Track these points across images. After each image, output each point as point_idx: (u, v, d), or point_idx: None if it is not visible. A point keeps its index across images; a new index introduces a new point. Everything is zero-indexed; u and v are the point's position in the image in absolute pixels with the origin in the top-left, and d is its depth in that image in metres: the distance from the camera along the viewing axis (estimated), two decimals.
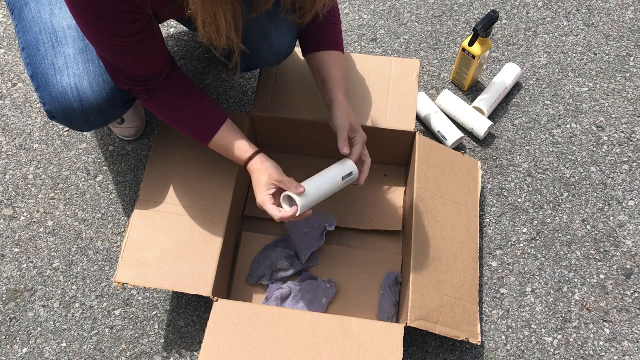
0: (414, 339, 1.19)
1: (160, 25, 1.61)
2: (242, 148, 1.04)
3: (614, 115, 1.47)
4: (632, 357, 1.18)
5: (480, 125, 1.39)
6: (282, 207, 1.02)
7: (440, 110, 1.43)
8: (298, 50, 1.30)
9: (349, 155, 1.07)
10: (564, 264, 1.28)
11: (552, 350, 1.19)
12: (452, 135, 1.38)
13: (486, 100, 1.43)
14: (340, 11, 1.64)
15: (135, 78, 0.99)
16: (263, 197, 1.00)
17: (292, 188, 0.99)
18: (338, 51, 1.12)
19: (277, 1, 0.84)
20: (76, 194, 1.37)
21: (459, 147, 1.42)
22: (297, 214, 0.99)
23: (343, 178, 1.05)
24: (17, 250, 1.30)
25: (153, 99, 1.03)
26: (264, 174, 1.01)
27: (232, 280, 1.23)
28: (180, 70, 1.06)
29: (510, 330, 1.21)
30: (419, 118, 1.45)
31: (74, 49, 1.02)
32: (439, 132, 1.40)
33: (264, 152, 1.05)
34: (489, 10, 1.35)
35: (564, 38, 1.59)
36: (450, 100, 1.44)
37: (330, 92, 1.09)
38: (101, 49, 0.94)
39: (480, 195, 1.28)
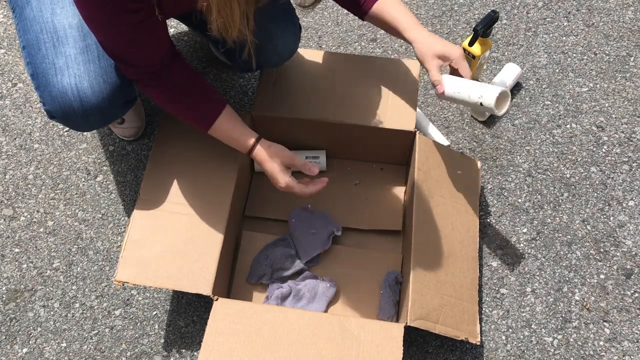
0: (414, 339, 1.19)
1: None
2: (244, 135, 1.07)
3: (614, 115, 1.47)
4: (632, 357, 1.18)
5: (490, 94, 1.04)
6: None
7: (426, 117, 1.42)
8: (298, 49, 1.30)
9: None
10: (564, 264, 1.28)
11: (552, 350, 1.19)
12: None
13: None
14: (341, 11, 1.64)
15: (137, 64, 0.99)
16: (287, 180, 1.05)
17: (307, 170, 1.06)
18: None
19: None
20: (76, 194, 1.37)
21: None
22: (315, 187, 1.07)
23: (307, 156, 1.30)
24: (17, 250, 1.30)
25: (154, 85, 1.03)
26: (275, 160, 1.05)
27: (232, 280, 1.23)
28: (181, 57, 1.07)
29: (510, 330, 1.21)
30: None
31: (75, 49, 1.02)
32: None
33: (263, 138, 1.08)
34: (489, 10, 1.35)
35: (564, 38, 1.59)
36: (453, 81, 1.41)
37: (403, 35, 1.09)
38: (103, 37, 0.94)
39: (480, 195, 1.28)
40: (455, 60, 1.06)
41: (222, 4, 0.79)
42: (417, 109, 1.44)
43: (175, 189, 1.18)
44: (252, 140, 1.07)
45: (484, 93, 1.01)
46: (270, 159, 1.06)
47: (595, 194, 1.36)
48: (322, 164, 1.31)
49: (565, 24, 1.62)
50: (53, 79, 1.01)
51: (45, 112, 1.06)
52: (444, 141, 1.38)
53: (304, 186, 1.05)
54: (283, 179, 1.04)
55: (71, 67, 1.01)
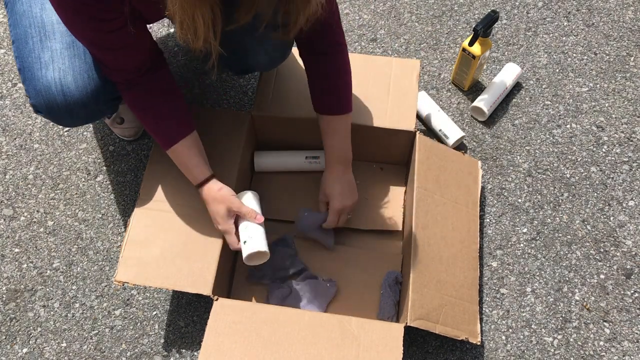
0: (414, 339, 1.19)
1: (160, 25, 1.62)
2: (198, 168, 1.08)
3: (614, 115, 1.47)
4: (632, 357, 1.18)
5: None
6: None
7: (441, 109, 1.43)
8: (297, 50, 1.30)
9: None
10: (564, 264, 1.28)
11: (552, 350, 1.19)
12: (454, 133, 1.38)
13: (486, 100, 1.43)
14: (340, 11, 1.63)
15: (115, 69, 1.00)
16: (227, 226, 1.07)
17: (252, 218, 1.08)
18: (341, 115, 1.14)
19: (257, 15, 0.83)
20: (76, 194, 1.37)
21: (459, 146, 1.42)
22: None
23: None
24: (17, 250, 1.30)
25: (128, 91, 1.03)
26: (222, 203, 1.06)
27: (232, 279, 1.23)
28: (165, 70, 1.06)
29: (510, 330, 1.21)
30: (419, 117, 1.45)
31: (61, 44, 1.02)
32: (440, 130, 1.40)
33: (216, 177, 1.09)
34: (489, 10, 1.35)
35: (564, 38, 1.59)
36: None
37: (325, 157, 1.19)
38: (81, 40, 0.95)
39: (480, 195, 1.28)
40: (330, 211, 1.19)
41: (184, 17, 0.78)
42: (431, 100, 1.44)
43: (175, 188, 1.18)
44: (203, 176, 1.07)
45: (249, 239, 1.07)
46: (217, 202, 1.07)
47: (595, 194, 1.36)
48: (322, 164, 1.31)
49: (565, 24, 1.62)
50: (38, 73, 1.01)
51: (31, 107, 1.06)
52: (458, 132, 1.38)
53: (235, 242, 1.08)
54: (225, 224, 1.07)
55: (56, 61, 1.01)
